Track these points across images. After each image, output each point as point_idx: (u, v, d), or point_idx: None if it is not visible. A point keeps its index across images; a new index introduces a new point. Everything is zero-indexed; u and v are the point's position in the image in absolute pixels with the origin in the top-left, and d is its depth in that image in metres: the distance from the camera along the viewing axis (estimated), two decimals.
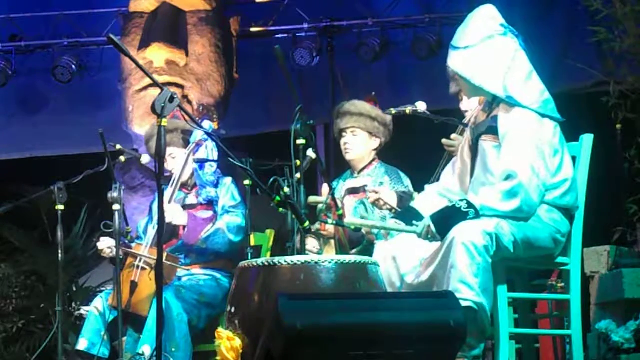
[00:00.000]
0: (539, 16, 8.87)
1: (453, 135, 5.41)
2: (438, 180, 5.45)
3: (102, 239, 5.90)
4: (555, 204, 4.63)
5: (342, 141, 5.93)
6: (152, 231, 5.99)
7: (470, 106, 5.38)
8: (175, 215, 5.83)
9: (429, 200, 4.85)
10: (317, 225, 5.55)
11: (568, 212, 4.69)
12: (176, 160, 5.94)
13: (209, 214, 5.96)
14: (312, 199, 5.52)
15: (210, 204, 5.98)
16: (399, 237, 4.81)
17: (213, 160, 5.94)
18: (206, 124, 5.87)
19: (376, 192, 5.47)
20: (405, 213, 4.79)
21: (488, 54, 4.65)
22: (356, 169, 5.98)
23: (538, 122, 4.61)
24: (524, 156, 4.52)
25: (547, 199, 4.60)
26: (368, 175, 5.90)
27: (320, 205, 5.39)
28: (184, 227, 5.89)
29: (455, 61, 4.70)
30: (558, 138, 4.65)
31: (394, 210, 5.38)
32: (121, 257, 5.71)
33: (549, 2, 9.01)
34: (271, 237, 6.10)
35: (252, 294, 4.00)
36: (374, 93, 6.16)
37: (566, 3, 8.83)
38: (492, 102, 4.76)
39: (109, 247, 5.82)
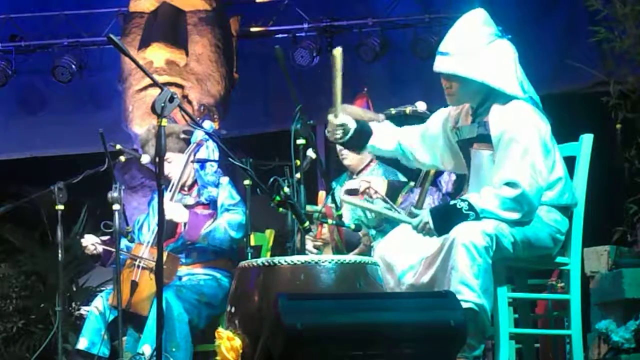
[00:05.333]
0: (539, 16, 8.88)
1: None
2: (421, 181, 5.49)
3: (85, 236, 5.94)
4: (554, 204, 4.61)
5: (338, 147, 5.93)
6: (151, 227, 6.00)
7: None
8: (175, 212, 5.84)
9: (388, 136, 4.92)
10: (313, 231, 5.55)
11: (567, 210, 4.68)
12: (172, 164, 5.93)
13: (209, 211, 5.96)
14: (308, 208, 5.52)
15: (211, 203, 5.98)
16: (394, 239, 4.78)
17: (214, 160, 5.94)
18: (207, 124, 5.87)
19: (367, 182, 5.49)
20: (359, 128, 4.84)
21: (497, 56, 4.60)
22: (354, 172, 5.98)
23: (536, 114, 4.59)
24: (524, 161, 4.48)
25: (545, 200, 4.58)
26: (360, 186, 5.88)
27: (315, 214, 5.38)
28: (184, 224, 5.89)
29: (457, 65, 4.62)
30: (550, 136, 4.64)
31: (380, 198, 5.43)
32: (123, 256, 5.72)
33: (549, 3, 9.02)
34: (271, 237, 6.10)
35: (252, 294, 4.00)
36: (365, 89, 6.15)
37: (566, 3, 8.83)
38: (478, 109, 4.71)
39: (92, 244, 5.85)
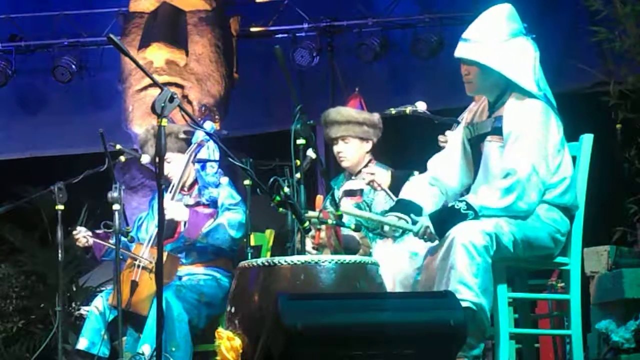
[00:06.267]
0: (539, 17, 8.87)
1: (448, 132, 5.41)
2: None
3: (77, 228, 5.94)
4: (555, 203, 4.62)
5: (335, 149, 5.93)
6: (150, 228, 6.01)
7: None
8: (176, 211, 5.84)
9: (421, 189, 4.83)
10: (312, 233, 5.53)
11: (568, 211, 4.69)
12: (172, 164, 5.94)
13: (209, 210, 5.96)
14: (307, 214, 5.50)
15: (211, 204, 5.98)
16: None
17: (214, 161, 5.94)
18: (208, 124, 5.87)
19: (372, 174, 5.48)
20: (403, 207, 4.76)
21: (516, 50, 4.65)
22: (353, 173, 5.97)
23: (546, 113, 4.61)
24: (526, 154, 4.52)
25: (547, 198, 4.60)
26: (364, 178, 5.88)
27: (314, 220, 5.36)
28: (185, 224, 5.88)
29: (477, 53, 4.64)
30: (561, 137, 4.66)
31: (380, 189, 5.41)
32: (122, 256, 5.72)
33: (550, 3, 9.01)
34: (271, 237, 6.10)
35: (252, 294, 4.00)
36: (357, 89, 6.16)
37: (566, 3, 8.83)
38: (495, 103, 4.74)
39: (84, 236, 5.86)
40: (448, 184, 4.87)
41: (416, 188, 4.85)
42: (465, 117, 4.96)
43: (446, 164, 4.89)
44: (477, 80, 4.71)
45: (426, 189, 4.84)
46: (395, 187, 5.42)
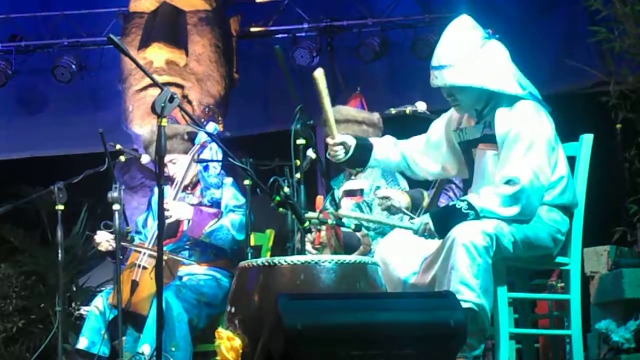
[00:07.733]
0: (539, 16, 8.88)
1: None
2: (435, 182, 5.49)
3: (98, 232, 5.93)
4: (555, 203, 4.62)
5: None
6: (152, 225, 6.00)
7: None
8: (180, 210, 5.84)
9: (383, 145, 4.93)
10: (312, 236, 5.53)
11: (568, 210, 4.68)
12: (177, 165, 5.94)
13: (214, 210, 5.95)
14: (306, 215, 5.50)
15: (214, 205, 5.97)
16: (392, 241, 4.78)
17: (217, 161, 5.94)
18: (211, 125, 5.86)
19: (387, 198, 5.43)
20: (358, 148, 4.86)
21: (491, 57, 4.61)
22: (352, 172, 5.96)
23: (538, 112, 4.60)
24: (526, 159, 4.49)
25: (547, 199, 4.59)
26: (364, 178, 5.88)
27: (314, 221, 5.36)
28: (188, 222, 5.88)
29: (456, 76, 4.61)
30: (554, 133, 4.65)
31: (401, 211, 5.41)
32: (122, 256, 5.72)
33: (549, 3, 9.02)
34: (271, 237, 6.10)
35: (252, 294, 4.01)
36: (358, 89, 6.16)
37: (566, 3, 8.84)
38: (482, 110, 4.72)
39: (107, 240, 5.85)
40: (424, 167, 4.90)
41: (387, 145, 4.97)
42: (451, 116, 4.90)
43: (430, 151, 4.91)
44: (463, 101, 4.69)
45: (395, 152, 4.93)
46: (412, 207, 5.42)
